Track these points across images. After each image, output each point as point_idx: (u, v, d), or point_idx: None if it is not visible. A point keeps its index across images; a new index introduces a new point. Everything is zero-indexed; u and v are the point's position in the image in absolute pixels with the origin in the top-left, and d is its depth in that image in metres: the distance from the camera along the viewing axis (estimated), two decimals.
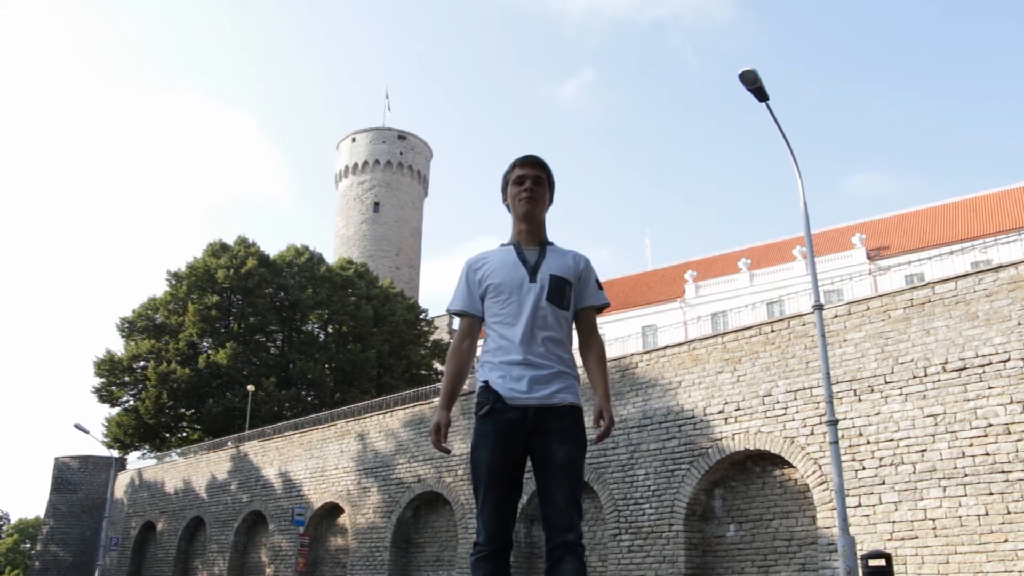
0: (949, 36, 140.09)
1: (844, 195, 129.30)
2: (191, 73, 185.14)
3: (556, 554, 3.20)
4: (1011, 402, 13.51)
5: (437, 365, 50.73)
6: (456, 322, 3.59)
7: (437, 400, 21.99)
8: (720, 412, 17.27)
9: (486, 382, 3.38)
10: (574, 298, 3.49)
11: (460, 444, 21.59)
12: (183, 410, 43.79)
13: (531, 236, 3.54)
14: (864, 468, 14.94)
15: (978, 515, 13.45)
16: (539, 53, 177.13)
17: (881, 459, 14.76)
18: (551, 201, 3.64)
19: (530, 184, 3.51)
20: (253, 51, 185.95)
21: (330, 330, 48.23)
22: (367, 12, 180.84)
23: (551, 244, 3.58)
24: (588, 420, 3.43)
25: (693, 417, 17.71)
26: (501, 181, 3.66)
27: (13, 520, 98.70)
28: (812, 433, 15.78)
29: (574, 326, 3.59)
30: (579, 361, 3.54)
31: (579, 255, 3.57)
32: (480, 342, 3.51)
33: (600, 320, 3.67)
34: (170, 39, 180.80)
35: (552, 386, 3.32)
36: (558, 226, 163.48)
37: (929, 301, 14.90)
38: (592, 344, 3.57)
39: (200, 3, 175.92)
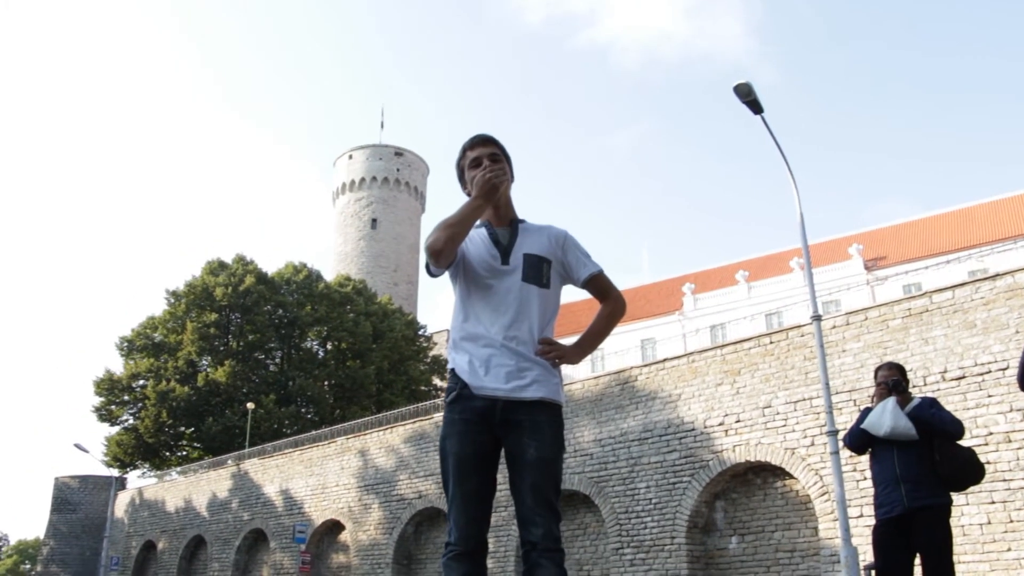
0: (945, 44, 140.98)
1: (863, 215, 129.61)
2: (190, 85, 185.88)
3: (531, 558, 2.98)
4: (1011, 410, 13.53)
5: (437, 380, 50.73)
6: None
7: (437, 415, 21.85)
8: (720, 424, 17.28)
9: (453, 369, 3.17)
10: (559, 276, 3.32)
11: None
12: (183, 428, 43.75)
13: (499, 217, 3.32)
14: (865, 478, 14.91)
15: (980, 524, 13.45)
16: (539, 72, 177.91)
17: None
18: (512, 177, 3.39)
19: (488, 163, 3.25)
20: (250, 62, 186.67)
21: (329, 347, 48.22)
22: (364, 26, 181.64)
23: (523, 222, 3.35)
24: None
25: (693, 429, 17.71)
26: (456, 170, 3.40)
27: (12, 541, 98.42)
28: (812, 444, 15.79)
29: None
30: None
31: (556, 229, 3.37)
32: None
33: None
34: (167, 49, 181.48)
35: (524, 378, 3.07)
36: None
37: (927, 310, 14.94)
38: (611, 300, 3.41)
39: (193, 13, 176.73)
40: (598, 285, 3.39)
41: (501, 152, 3.33)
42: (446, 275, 3.30)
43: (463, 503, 3.04)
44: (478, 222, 3.31)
